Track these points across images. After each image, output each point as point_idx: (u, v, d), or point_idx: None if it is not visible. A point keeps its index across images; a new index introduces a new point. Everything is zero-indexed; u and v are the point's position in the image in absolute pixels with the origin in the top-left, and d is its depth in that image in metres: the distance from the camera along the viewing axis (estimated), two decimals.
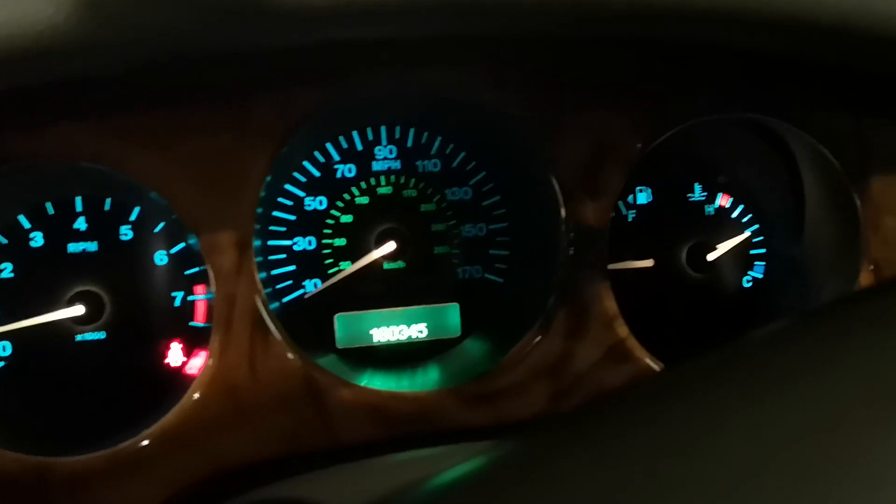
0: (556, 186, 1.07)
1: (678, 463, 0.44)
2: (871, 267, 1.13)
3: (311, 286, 1.21)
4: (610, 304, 1.08)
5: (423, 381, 1.14)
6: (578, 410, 0.54)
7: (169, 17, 0.71)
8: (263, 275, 1.17)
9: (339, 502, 0.87)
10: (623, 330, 1.09)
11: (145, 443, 0.97)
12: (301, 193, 1.20)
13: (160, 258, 1.14)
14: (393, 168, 1.22)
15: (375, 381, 1.10)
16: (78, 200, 1.12)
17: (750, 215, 1.30)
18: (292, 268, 1.21)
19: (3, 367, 1.11)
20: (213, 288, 0.99)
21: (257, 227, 1.02)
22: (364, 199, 1.21)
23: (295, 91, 1.01)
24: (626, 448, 0.46)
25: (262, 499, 0.90)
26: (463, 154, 1.24)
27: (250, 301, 1.00)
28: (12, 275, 1.10)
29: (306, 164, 1.19)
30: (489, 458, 0.49)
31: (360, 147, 1.21)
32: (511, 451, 0.51)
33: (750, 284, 1.31)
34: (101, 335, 1.13)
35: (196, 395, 0.99)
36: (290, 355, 1.01)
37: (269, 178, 1.01)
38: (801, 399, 0.46)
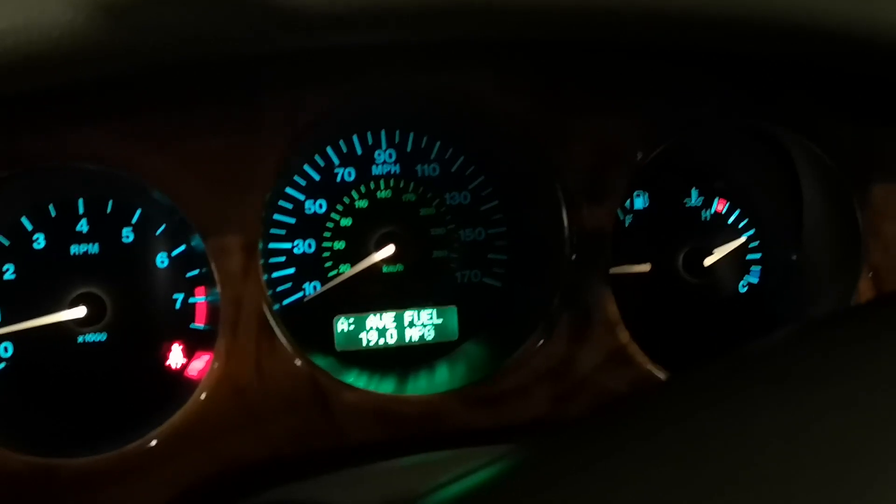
0: (560, 191, 1.08)
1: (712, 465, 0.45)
2: (871, 273, 1.14)
3: (311, 289, 1.21)
4: (612, 309, 1.09)
5: (424, 384, 1.14)
6: (608, 413, 0.54)
7: (187, 21, 0.72)
8: (265, 277, 1.18)
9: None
10: (624, 335, 1.09)
11: (154, 443, 0.97)
12: (301, 197, 1.20)
13: (161, 260, 1.14)
14: (392, 172, 1.22)
15: (374, 384, 1.10)
16: (80, 202, 1.12)
17: (746, 220, 1.31)
18: (292, 270, 1.21)
19: (4, 367, 1.11)
20: (219, 290, 0.99)
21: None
22: (364, 203, 1.22)
23: (304, 93, 1.01)
24: (661, 452, 0.47)
25: (274, 500, 0.90)
26: (462, 158, 1.24)
27: (257, 303, 1.00)
28: (14, 276, 1.10)
29: (307, 167, 1.20)
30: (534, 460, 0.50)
31: (359, 151, 1.21)
32: (541, 456, 0.51)
33: (746, 290, 1.32)
34: (103, 337, 1.12)
35: (203, 396, 0.99)
36: (297, 360, 1.01)
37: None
38: (831, 400, 0.47)
